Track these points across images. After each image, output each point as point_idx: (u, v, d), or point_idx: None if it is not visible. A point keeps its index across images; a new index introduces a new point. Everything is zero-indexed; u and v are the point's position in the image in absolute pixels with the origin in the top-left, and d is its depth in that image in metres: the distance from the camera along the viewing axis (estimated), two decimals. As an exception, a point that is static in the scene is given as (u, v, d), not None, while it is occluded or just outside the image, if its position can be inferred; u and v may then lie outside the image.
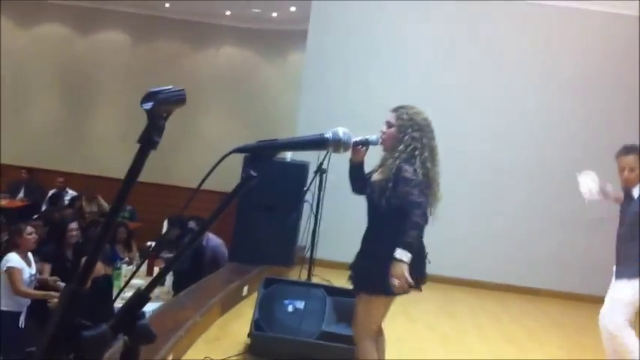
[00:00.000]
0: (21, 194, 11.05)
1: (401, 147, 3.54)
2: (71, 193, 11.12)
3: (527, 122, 8.56)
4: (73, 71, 12.54)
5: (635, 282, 4.62)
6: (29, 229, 5.69)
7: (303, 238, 6.80)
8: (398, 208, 3.44)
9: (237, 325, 5.42)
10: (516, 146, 8.46)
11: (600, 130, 8.37)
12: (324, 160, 5.90)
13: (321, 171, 6.05)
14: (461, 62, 8.58)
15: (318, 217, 6.07)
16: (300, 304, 4.84)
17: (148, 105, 1.17)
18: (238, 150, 1.54)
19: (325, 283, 5.88)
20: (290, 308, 4.81)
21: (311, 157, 6.58)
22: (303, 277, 6.15)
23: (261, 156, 1.55)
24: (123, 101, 12.64)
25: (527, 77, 8.57)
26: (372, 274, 3.53)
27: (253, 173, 1.51)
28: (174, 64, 12.14)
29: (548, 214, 8.46)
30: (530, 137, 8.54)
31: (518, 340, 6.20)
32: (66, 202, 10.39)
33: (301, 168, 7.05)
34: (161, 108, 1.19)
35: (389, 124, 3.64)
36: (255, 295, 5.21)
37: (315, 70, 8.59)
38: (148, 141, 1.18)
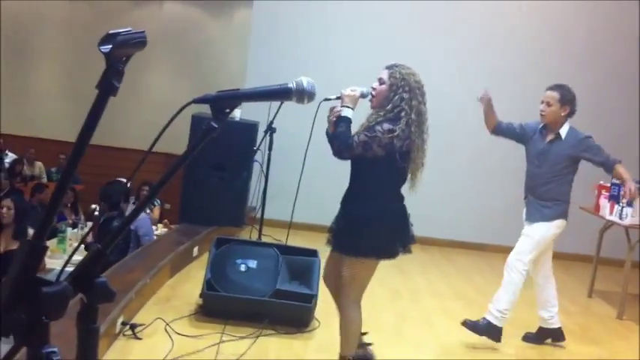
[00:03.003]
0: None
1: (389, 106, 3.48)
2: (11, 155, 10.78)
3: (467, 80, 8.59)
4: (11, 30, 12.04)
5: (557, 222, 4.78)
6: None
7: (254, 198, 6.77)
8: (370, 164, 3.44)
9: (189, 286, 5.37)
10: (456, 105, 8.53)
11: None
12: (273, 119, 5.86)
13: (271, 130, 6.00)
14: (413, 26, 8.52)
15: (268, 177, 6.05)
16: (253, 264, 4.82)
17: (107, 48, 1.10)
18: (198, 100, 1.48)
19: (278, 242, 5.86)
20: (243, 267, 4.78)
21: (260, 117, 6.49)
22: (254, 237, 6.14)
23: (221, 107, 1.48)
24: (62, 60, 12.24)
25: (468, 36, 8.57)
26: (358, 237, 3.50)
27: (215, 124, 1.45)
28: (116, 20, 11.74)
29: (492, 171, 8.58)
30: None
31: (467, 295, 6.33)
32: (6, 165, 10.06)
33: (251, 128, 6.97)
34: (120, 51, 1.12)
35: (381, 81, 3.56)
36: (205, 256, 5.16)
37: (262, 25, 8.41)
38: (108, 86, 1.11)
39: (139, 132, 10.52)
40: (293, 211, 4.26)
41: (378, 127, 3.41)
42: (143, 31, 1.16)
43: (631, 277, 6.14)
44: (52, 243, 6.13)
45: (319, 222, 6.61)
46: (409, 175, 3.54)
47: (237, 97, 1.48)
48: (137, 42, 1.15)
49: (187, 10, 12.24)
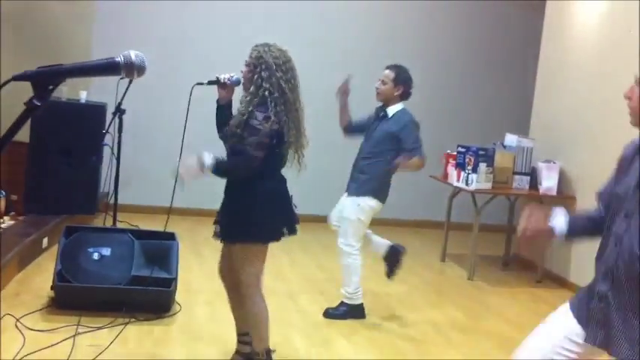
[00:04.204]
0: None
1: (252, 88, 3.39)
2: None
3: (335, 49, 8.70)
4: None
5: (366, 198, 4.88)
6: None
7: (106, 183, 6.50)
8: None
9: (39, 279, 5.10)
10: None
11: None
12: (122, 100, 5.63)
13: (119, 112, 5.77)
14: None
15: (120, 161, 5.82)
16: (107, 251, 4.65)
17: None
18: (17, 77, 1.38)
19: (132, 227, 5.68)
20: (95, 256, 4.60)
21: (107, 99, 6.23)
22: (108, 224, 5.91)
23: (45, 84, 1.39)
24: None
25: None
26: (245, 224, 3.43)
27: (37, 103, 1.35)
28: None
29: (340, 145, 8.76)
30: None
31: (330, 268, 6.45)
32: None
33: (98, 109, 6.67)
34: None
35: (246, 63, 3.47)
36: (56, 247, 4.91)
37: (108, 5, 8.05)
38: None
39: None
40: (173, 197, 3.95)
41: (254, 122, 3.33)
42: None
43: (479, 240, 6.50)
44: None
45: (180, 205, 6.51)
46: (292, 155, 3.50)
47: (61, 73, 1.40)
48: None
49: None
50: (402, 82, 4.91)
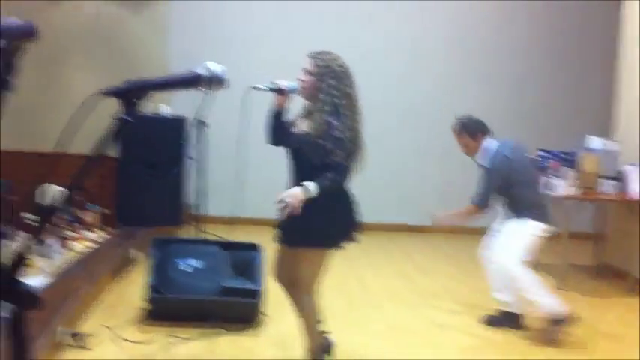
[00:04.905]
0: None
1: (322, 96, 3.44)
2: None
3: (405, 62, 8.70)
4: None
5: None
6: None
7: (191, 195, 6.67)
8: (324, 164, 3.39)
9: (132, 290, 5.26)
10: (399, 89, 8.62)
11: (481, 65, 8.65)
12: (203, 113, 5.76)
13: (201, 124, 5.91)
14: (341, 9, 8.51)
15: (204, 172, 5.96)
16: (195, 262, 4.75)
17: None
18: (104, 92, 1.41)
19: (218, 238, 5.80)
20: (186, 267, 4.71)
21: (189, 112, 6.38)
22: (194, 235, 6.06)
23: (131, 98, 1.43)
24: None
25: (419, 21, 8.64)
26: (309, 229, 3.48)
27: (127, 118, 1.39)
28: (33, 20, 11.35)
29: (428, 156, 8.73)
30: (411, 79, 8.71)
31: (409, 274, 6.42)
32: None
33: (179, 123, 6.85)
34: (9, 42, 1.05)
35: (306, 72, 3.51)
36: (147, 259, 5.06)
37: (181, 18, 8.28)
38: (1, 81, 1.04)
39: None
40: (241, 206, 4.15)
41: (335, 132, 3.38)
42: (31, 21, 1.09)
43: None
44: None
45: (261, 215, 6.60)
46: (356, 163, 3.53)
47: (146, 87, 1.42)
48: (24, 31, 1.08)
49: (105, 7, 11.90)
50: (472, 133, 4.88)
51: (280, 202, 3.34)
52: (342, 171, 3.42)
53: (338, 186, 3.48)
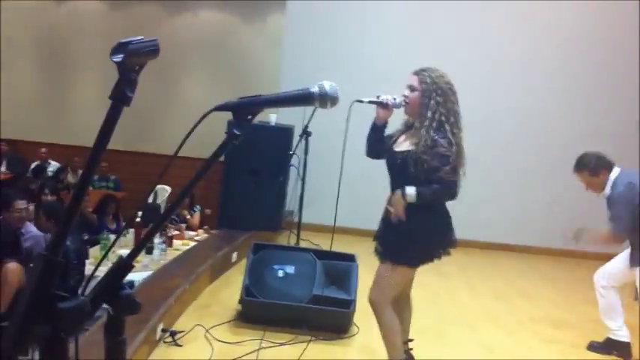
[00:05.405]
0: (3, 167, 10.88)
1: (428, 114, 3.41)
2: (54, 164, 10.95)
3: (504, 78, 8.47)
4: (50, 41, 12.27)
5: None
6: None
7: (290, 202, 6.76)
8: (429, 180, 3.39)
9: (227, 291, 5.37)
10: (500, 108, 8.42)
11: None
12: (308, 123, 5.83)
13: (306, 134, 5.98)
14: (449, 26, 8.43)
15: (305, 181, 6.03)
16: (290, 269, 4.79)
17: (119, 57, 1.08)
18: (219, 108, 1.45)
19: (314, 247, 5.83)
20: (280, 273, 4.76)
21: (295, 121, 6.48)
22: (292, 241, 6.13)
23: (244, 114, 1.45)
24: (102, 69, 12.36)
25: (516, 31, 8.45)
26: (398, 246, 3.51)
27: (237, 132, 1.42)
28: (152, 29, 11.87)
29: (534, 173, 8.45)
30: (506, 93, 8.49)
31: (508, 296, 6.21)
32: (49, 174, 10.23)
33: (286, 132, 6.96)
34: (133, 60, 1.09)
35: (412, 88, 3.50)
36: (244, 262, 5.15)
37: (296, 29, 8.43)
38: (121, 96, 1.08)
39: (179, 139, 10.56)
40: (336, 216, 4.15)
41: (441, 149, 3.36)
42: (155, 39, 1.13)
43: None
44: (95, 250, 6.18)
45: (357, 226, 6.58)
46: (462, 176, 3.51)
47: (259, 104, 1.45)
48: (149, 50, 1.12)
49: (221, 17, 12.29)
50: (593, 170, 4.64)
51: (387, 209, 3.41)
52: (450, 187, 3.39)
53: (443, 200, 3.48)
